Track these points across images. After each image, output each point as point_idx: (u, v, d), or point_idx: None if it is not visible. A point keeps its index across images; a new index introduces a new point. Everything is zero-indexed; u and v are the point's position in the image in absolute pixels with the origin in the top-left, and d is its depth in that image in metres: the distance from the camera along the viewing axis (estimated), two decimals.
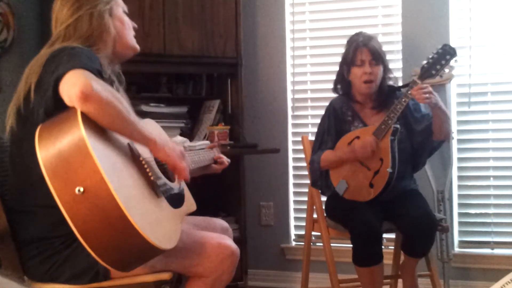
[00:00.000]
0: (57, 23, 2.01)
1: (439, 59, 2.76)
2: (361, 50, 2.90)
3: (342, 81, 3.03)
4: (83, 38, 1.96)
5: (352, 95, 3.02)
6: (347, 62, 2.95)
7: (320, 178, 3.00)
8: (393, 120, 2.78)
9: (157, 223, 1.75)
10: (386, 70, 2.99)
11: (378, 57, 2.92)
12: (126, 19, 2.12)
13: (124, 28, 2.09)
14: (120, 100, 1.71)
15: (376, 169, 2.82)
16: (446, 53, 2.76)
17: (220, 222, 2.39)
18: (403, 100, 2.77)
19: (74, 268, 1.86)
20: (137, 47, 2.14)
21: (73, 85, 1.64)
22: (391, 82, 3.06)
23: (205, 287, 2.02)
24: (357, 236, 2.75)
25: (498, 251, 3.54)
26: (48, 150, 1.62)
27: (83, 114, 1.65)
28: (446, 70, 2.83)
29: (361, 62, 2.91)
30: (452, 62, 2.78)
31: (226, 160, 2.47)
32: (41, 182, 1.67)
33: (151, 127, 1.98)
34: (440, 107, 2.79)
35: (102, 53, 1.98)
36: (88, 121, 1.65)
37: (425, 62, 2.78)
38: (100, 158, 1.59)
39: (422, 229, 2.72)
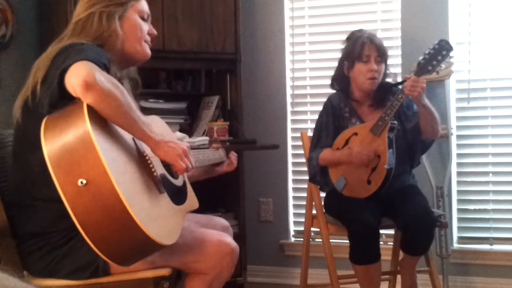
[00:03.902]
0: (73, 15, 2.03)
1: (435, 54, 2.75)
2: (368, 46, 2.88)
3: (341, 77, 3.02)
4: (92, 37, 1.96)
5: (350, 92, 3.01)
6: (351, 57, 2.92)
7: (319, 174, 3.00)
8: (389, 116, 2.78)
9: (158, 218, 1.75)
10: (386, 67, 2.98)
11: (383, 55, 2.91)
12: (140, 23, 2.08)
13: (134, 33, 2.06)
14: (124, 93, 1.72)
15: (374, 165, 2.82)
16: (443, 49, 2.74)
17: (220, 220, 2.39)
18: (400, 96, 2.76)
19: (74, 263, 1.86)
20: (147, 52, 2.11)
21: (76, 75, 1.65)
22: (389, 79, 3.06)
23: (204, 284, 2.02)
24: (355, 234, 2.74)
25: (497, 247, 3.54)
26: (53, 141, 1.62)
27: (89, 107, 1.65)
28: (443, 66, 2.82)
29: (367, 58, 2.89)
30: (448, 58, 2.77)
31: (235, 162, 2.47)
32: (42, 176, 1.67)
33: (156, 125, 1.98)
34: (425, 105, 2.77)
35: (110, 54, 1.97)
36: (94, 114, 1.66)
37: (421, 58, 2.77)
38: (104, 151, 1.59)
39: (421, 227, 2.71)
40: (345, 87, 3.01)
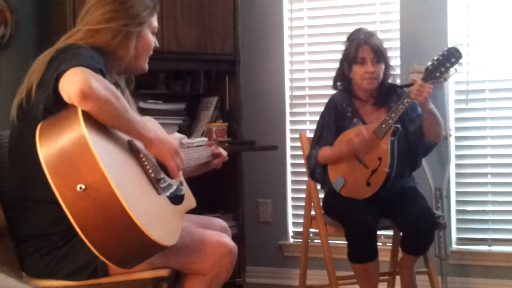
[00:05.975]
0: (84, 19, 1.99)
1: (444, 61, 2.71)
2: (362, 48, 2.88)
3: (343, 78, 3.02)
4: (98, 46, 1.93)
5: (353, 91, 3.00)
6: (348, 60, 2.93)
7: (317, 172, 2.99)
8: (394, 119, 2.77)
9: (158, 219, 1.75)
10: (388, 67, 2.97)
11: (380, 55, 2.90)
12: (151, 41, 2.09)
13: (145, 51, 2.07)
14: (118, 97, 1.71)
15: (374, 168, 2.82)
16: (452, 56, 2.71)
17: (219, 221, 2.39)
18: (406, 100, 2.75)
19: (72, 264, 1.86)
20: (146, 68, 2.12)
21: (72, 84, 1.64)
22: (390, 79, 3.06)
23: (203, 285, 2.03)
24: (352, 233, 2.75)
25: (495, 248, 3.54)
26: (49, 147, 1.62)
27: (83, 111, 1.65)
28: (451, 73, 2.79)
29: (363, 60, 2.88)
30: (458, 65, 2.74)
31: (224, 152, 2.46)
32: (39, 178, 1.67)
33: (149, 124, 1.98)
34: (430, 110, 2.78)
35: (111, 66, 1.96)
36: (89, 118, 1.65)
37: (429, 63, 2.74)
38: (101, 155, 1.59)
39: (423, 227, 2.72)
40: (347, 86, 3.02)
